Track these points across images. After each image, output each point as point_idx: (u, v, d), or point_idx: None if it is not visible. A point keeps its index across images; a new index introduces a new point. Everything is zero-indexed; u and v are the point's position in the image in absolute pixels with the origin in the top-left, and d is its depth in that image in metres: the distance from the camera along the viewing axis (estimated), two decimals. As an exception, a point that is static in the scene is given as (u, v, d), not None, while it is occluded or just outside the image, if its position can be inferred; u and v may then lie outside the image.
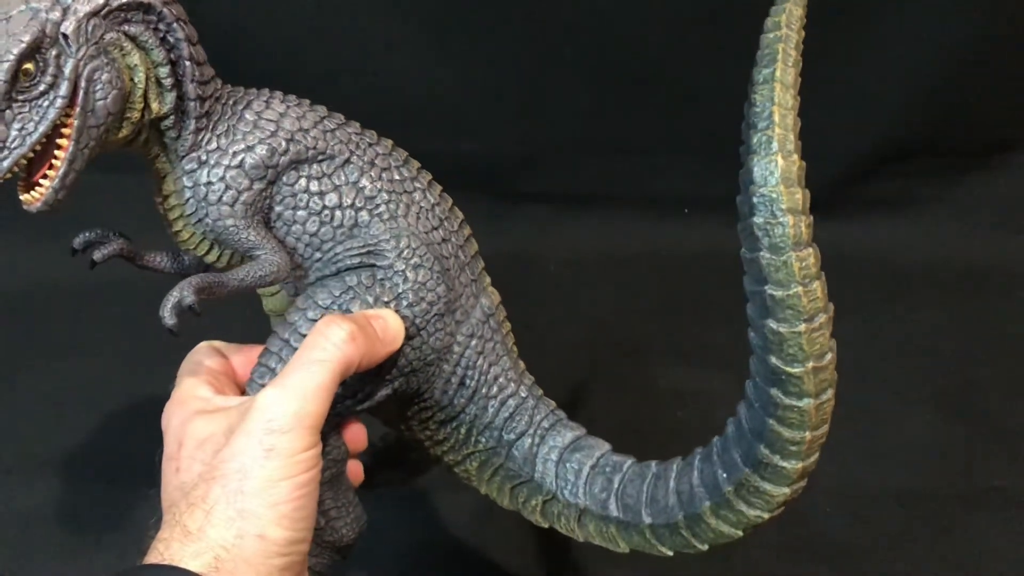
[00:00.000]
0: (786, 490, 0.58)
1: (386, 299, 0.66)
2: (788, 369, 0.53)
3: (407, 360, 0.67)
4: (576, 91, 1.36)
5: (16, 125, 0.55)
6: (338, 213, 0.66)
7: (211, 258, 0.67)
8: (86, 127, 0.57)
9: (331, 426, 0.67)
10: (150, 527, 0.61)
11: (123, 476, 1.04)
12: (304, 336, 0.63)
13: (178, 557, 0.54)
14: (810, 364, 0.53)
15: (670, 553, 0.67)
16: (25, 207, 0.58)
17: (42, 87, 0.55)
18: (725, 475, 0.61)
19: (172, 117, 0.61)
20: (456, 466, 0.75)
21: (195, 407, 0.64)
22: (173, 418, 0.65)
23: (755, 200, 0.51)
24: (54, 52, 0.55)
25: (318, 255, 0.66)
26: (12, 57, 0.53)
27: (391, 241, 0.66)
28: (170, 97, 0.61)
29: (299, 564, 0.59)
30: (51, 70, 0.55)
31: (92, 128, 0.57)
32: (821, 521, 0.97)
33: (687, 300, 1.29)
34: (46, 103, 0.55)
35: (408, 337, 0.66)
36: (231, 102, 0.65)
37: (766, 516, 0.61)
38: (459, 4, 1.28)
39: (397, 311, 0.66)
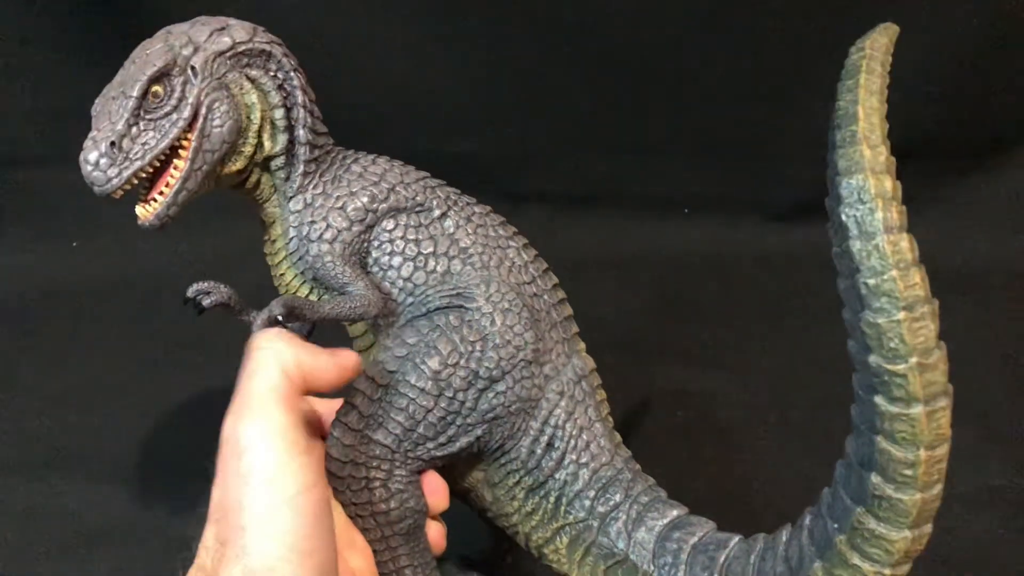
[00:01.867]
0: (907, 534, 0.51)
1: (472, 339, 0.66)
2: (890, 367, 0.48)
3: (491, 406, 0.66)
4: (576, 91, 1.36)
5: (141, 140, 0.60)
6: (432, 261, 0.68)
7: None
8: (202, 150, 0.61)
9: (409, 470, 0.65)
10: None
11: (123, 476, 1.04)
12: (391, 373, 0.64)
13: None
14: (914, 360, 0.48)
15: None
16: (139, 222, 0.62)
17: (167, 108, 0.60)
18: (836, 525, 0.54)
19: (283, 158, 0.66)
20: (546, 546, 0.70)
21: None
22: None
23: (841, 190, 0.48)
24: (181, 79, 0.61)
25: (410, 299, 0.68)
26: (144, 77, 0.59)
27: (481, 286, 0.67)
28: (282, 139, 0.65)
29: None
30: (177, 94, 0.60)
31: (207, 152, 0.61)
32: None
33: (687, 300, 1.29)
34: (168, 124, 0.60)
35: (493, 380, 0.66)
36: (340, 157, 0.69)
37: (887, 573, 0.53)
38: (459, 4, 1.28)
39: (483, 353, 0.66)
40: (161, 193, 0.61)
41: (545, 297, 0.71)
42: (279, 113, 0.65)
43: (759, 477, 1.02)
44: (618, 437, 0.71)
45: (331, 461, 0.63)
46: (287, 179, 0.66)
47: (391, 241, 0.67)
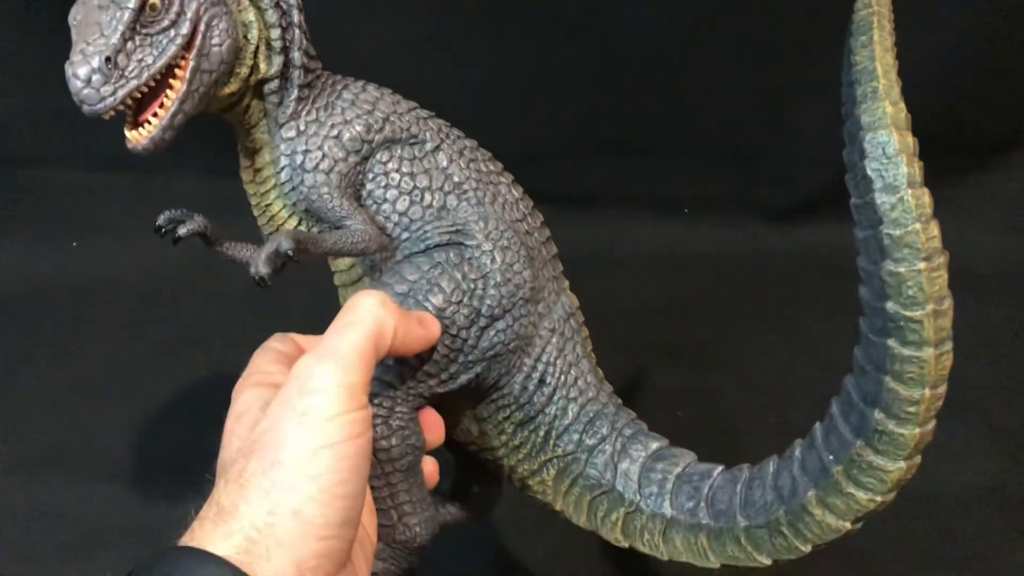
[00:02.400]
0: (901, 464, 0.54)
1: (473, 277, 0.65)
2: (908, 313, 0.51)
3: (491, 343, 0.66)
4: (576, 91, 1.36)
5: (136, 56, 0.56)
6: (427, 195, 0.66)
7: None
8: (200, 70, 0.58)
9: (411, 407, 0.64)
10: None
11: (123, 476, 1.04)
12: (398, 299, 0.63)
13: (208, 539, 0.50)
14: (930, 307, 0.51)
15: (767, 562, 0.61)
16: (130, 145, 0.58)
17: (165, 23, 0.56)
18: (832, 456, 0.57)
19: (277, 81, 0.63)
20: (531, 478, 0.71)
21: (255, 380, 0.62)
22: (235, 392, 0.63)
23: (866, 145, 0.50)
24: None
25: (406, 234, 0.66)
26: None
27: (479, 223, 0.66)
28: (278, 60, 0.63)
29: (342, 553, 0.53)
30: (175, 8, 0.56)
31: (205, 73, 0.58)
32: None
33: (687, 300, 1.29)
34: (166, 40, 0.56)
35: (494, 319, 0.65)
36: (331, 82, 0.67)
37: (879, 500, 0.56)
38: (459, 4, 1.28)
39: (485, 291, 0.65)
40: (156, 115, 0.57)
41: (536, 235, 0.71)
42: (275, 33, 0.62)
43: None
44: (601, 373, 0.73)
45: None
46: (280, 104, 0.64)
47: (386, 174, 0.66)
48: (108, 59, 0.54)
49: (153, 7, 0.56)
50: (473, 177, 0.68)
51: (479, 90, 1.35)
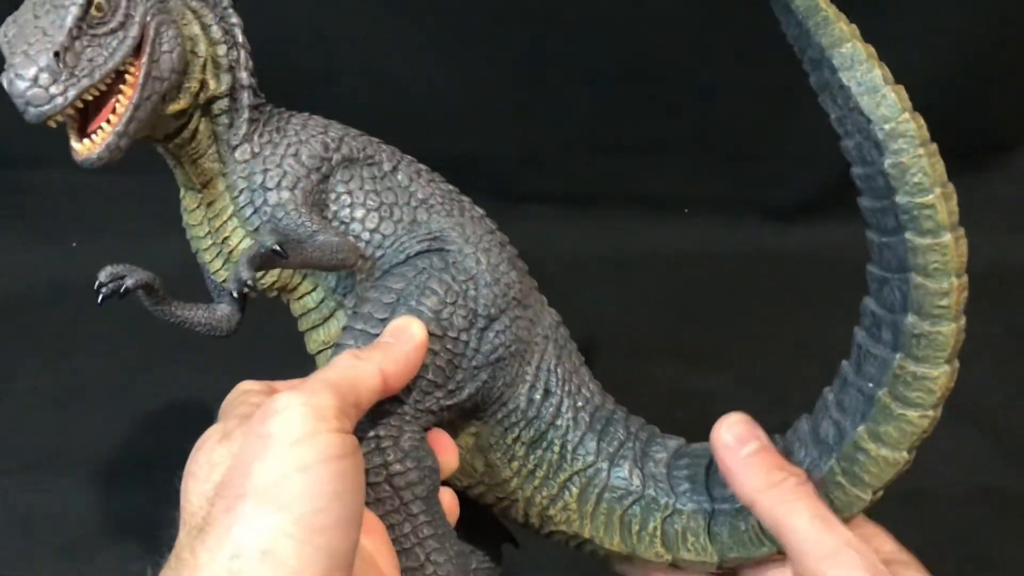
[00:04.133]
0: (945, 368, 0.53)
1: (462, 279, 0.62)
2: (919, 200, 0.52)
3: (493, 346, 0.62)
4: (576, 91, 1.36)
5: (86, 56, 0.53)
6: (396, 210, 0.64)
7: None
8: (151, 77, 0.55)
9: (420, 426, 0.59)
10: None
11: (123, 476, 1.05)
12: (382, 321, 0.59)
13: None
14: (938, 189, 0.52)
15: None
16: (80, 157, 0.55)
17: (112, 24, 0.53)
18: (872, 383, 0.55)
19: (227, 101, 0.61)
20: (552, 506, 0.65)
21: (223, 425, 0.55)
22: (199, 442, 0.57)
23: (835, 60, 0.54)
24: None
25: (380, 251, 0.63)
26: None
27: (456, 229, 0.64)
28: (226, 79, 0.60)
29: None
30: (122, 10, 0.54)
31: (156, 80, 0.55)
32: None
33: (687, 300, 1.29)
34: (115, 43, 0.54)
35: (491, 319, 0.62)
36: (276, 112, 0.65)
37: (930, 415, 0.54)
38: (459, 4, 1.28)
39: (477, 291, 0.62)
40: (108, 122, 0.54)
41: (508, 247, 0.68)
42: (222, 50, 0.60)
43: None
44: (598, 382, 0.69)
45: None
46: (231, 125, 0.61)
47: (349, 192, 0.63)
48: (57, 55, 0.50)
49: (99, 7, 0.53)
50: (437, 193, 0.66)
51: (479, 90, 1.35)
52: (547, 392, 0.65)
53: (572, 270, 1.31)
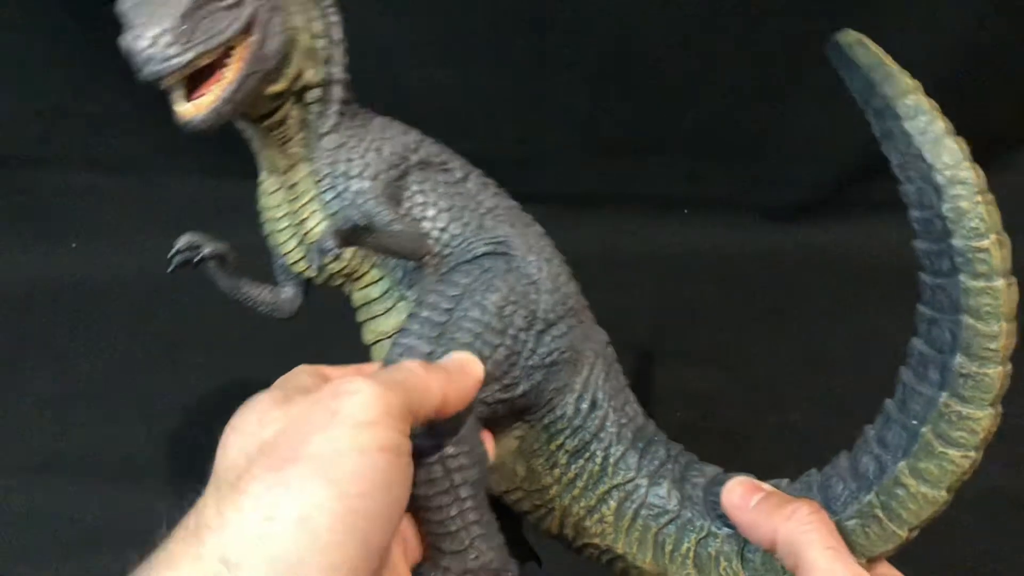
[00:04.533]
0: (989, 411, 0.54)
1: (525, 282, 0.64)
2: (974, 244, 0.54)
3: (548, 349, 0.64)
4: (576, 91, 1.36)
5: (203, 27, 0.55)
6: (465, 213, 0.66)
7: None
8: (256, 56, 0.58)
9: (474, 415, 0.59)
10: None
11: (123, 476, 1.05)
12: (447, 311, 0.61)
13: (172, 562, 0.45)
14: (994, 236, 0.54)
15: (861, 560, 0.58)
16: (184, 119, 0.56)
17: (228, 3, 0.56)
18: (916, 421, 0.56)
19: (320, 91, 0.63)
20: (588, 517, 0.66)
21: (271, 394, 0.52)
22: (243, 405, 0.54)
23: (899, 109, 0.56)
24: None
25: (448, 250, 0.65)
26: None
27: (519, 238, 0.66)
28: (322, 70, 0.63)
29: None
30: None
31: (261, 59, 0.58)
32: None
33: (687, 300, 1.30)
34: (229, 19, 0.56)
35: (549, 323, 0.64)
36: (361, 111, 0.67)
37: (972, 456, 0.55)
38: (459, 4, 1.28)
39: (538, 295, 0.64)
40: (216, 89, 0.57)
41: (565, 264, 0.70)
42: (320, 43, 0.63)
43: (759, 477, 1.02)
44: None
45: None
46: (320, 115, 0.64)
47: (423, 192, 0.66)
48: (179, 20, 0.53)
49: None
50: (502, 205, 0.68)
51: (479, 90, 1.35)
52: (594, 404, 0.66)
53: (572, 270, 1.31)
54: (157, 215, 1.43)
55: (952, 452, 0.55)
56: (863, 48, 0.58)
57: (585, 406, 0.66)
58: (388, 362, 0.60)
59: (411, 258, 0.63)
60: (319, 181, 0.64)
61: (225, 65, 0.57)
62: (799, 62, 1.31)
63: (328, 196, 0.64)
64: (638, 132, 1.39)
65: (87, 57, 1.32)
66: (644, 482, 0.65)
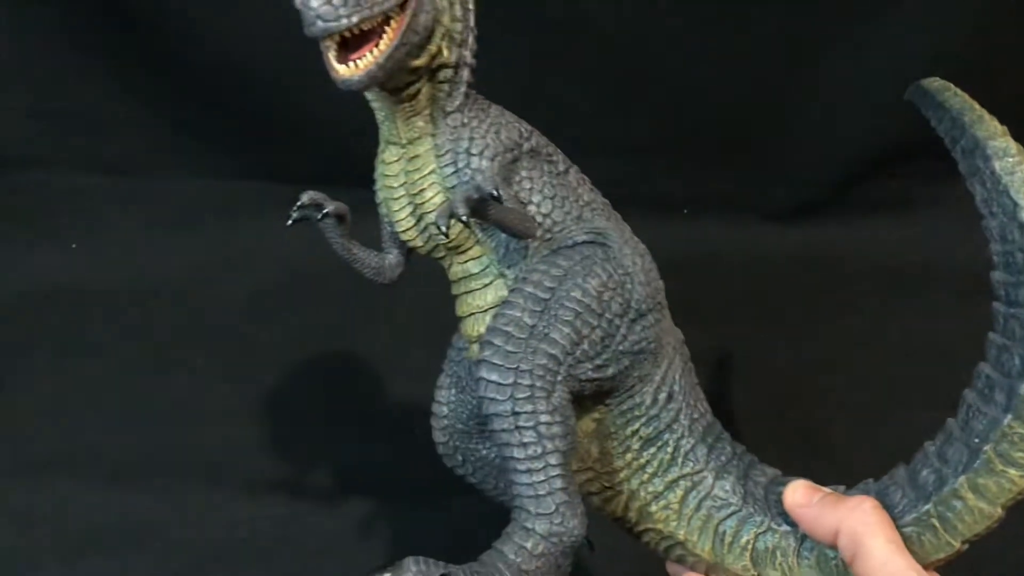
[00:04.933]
0: None
1: (621, 271, 0.68)
2: None
3: (638, 337, 0.67)
4: (576, 91, 1.36)
5: None
6: (567, 203, 0.70)
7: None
8: (409, 28, 0.61)
9: (568, 388, 0.64)
10: None
11: (123, 476, 1.05)
12: (550, 289, 0.65)
13: None
14: None
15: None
16: (341, 78, 0.60)
17: None
18: (978, 439, 0.59)
19: (452, 71, 0.67)
20: (655, 502, 0.69)
21: None
22: None
23: (989, 150, 0.64)
24: None
25: (549, 235, 0.69)
26: None
27: (615, 232, 0.70)
28: (456, 52, 0.67)
29: None
30: None
31: (412, 32, 0.62)
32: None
33: (687, 300, 1.29)
34: None
35: (640, 313, 0.68)
36: (479, 97, 0.70)
37: None
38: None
39: (632, 286, 0.68)
40: (371, 54, 0.60)
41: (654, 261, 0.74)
42: (458, 27, 0.67)
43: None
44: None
45: (493, 370, 0.62)
46: (449, 95, 0.67)
47: (531, 179, 0.69)
48: None
49: None
50: (598, 200, 0.73)
51: (479, 90, 1.35)
52: (670, 396, 0.70)
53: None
54: (157, 215, 1.43)
55: (1012, 471, 0.58)
56: (952, 93, 0.68)
57: (663, 397, 0.69)
58: (491, 329, 0.64)
59: (521, 236, 0.66)
60: (440, 156, 0.67)
61: (381, 33, 0.61)
62: (799, 62, 1.31)
63: (448, 171, 0.67)
64: (638, 132, 1.38)
65: (87, 57, 1.32)
66: (711, 475, 0.69)
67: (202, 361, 1.22)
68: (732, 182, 1.42)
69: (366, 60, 0.60)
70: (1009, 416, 0.58)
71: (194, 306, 1.32)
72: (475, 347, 0.68)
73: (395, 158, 0.69)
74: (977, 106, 0.64)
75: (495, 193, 0.60)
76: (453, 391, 0.76)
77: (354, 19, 0.58)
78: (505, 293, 0.68)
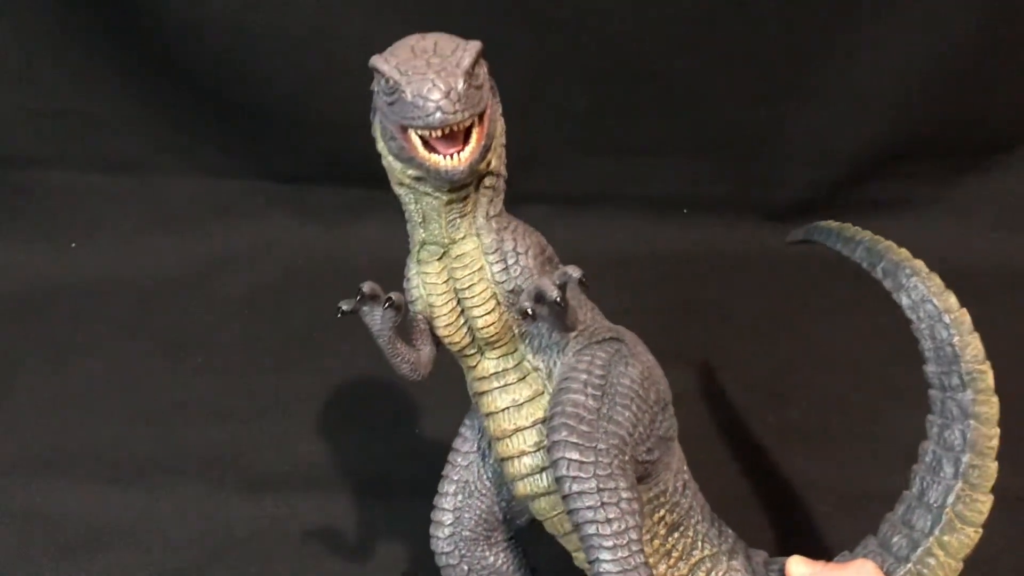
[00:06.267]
0: (991, 495, 0.72)
1: (640, 363, 0.71)
2: (976, 367, 0.73)
3: (665, 426, 0.71)
4: (576, 91, 1.36)
5: (468, 95, 0.63)
6: (585, 304, 0.73)
7: (487, 321, 0.70)
8: (488, 130, 0.66)
9: (631, 469, 0.67)
10: None
11: (123, 476, 1.05)
12: (603, 376, 0.67)
13: None
14: (987, 362, 0.73)
15: None
16: (450, 168, 0.63)
17: (476, 83, 0.64)
18: (938, 505, 0.71)
19: (495, 179, 0.70)
20: None
21: None
22: None
23: (948, 320, 0.74)
24: (485, 70, 0.67)
25: (578, 332, 0.71)
26: (475, 52, 0.65)
27: (625, 332, 0.74)
28: (499, 163, 0.71)
29: None
30: (481, 77, 0.66)
31: (488, 135, 0.66)
32: (821, 521, 0.97)
33: (687, 300, 1.30)
34: (478, 96, 0.64)
35: (664, 404, 0.71)
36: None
37: (980, 532, 0.71)
38: (459, 4, 1.28)
39: (655, 377, 0.71)
40: (467, 150, 0.64)
41: None
42: (503, 140, 0.71)
43: (758, 477, 1.02)
44: None
45: (573, 448, 0.63)
46: (491, 201, 0.70)
47: None
48: (464, 82, 0.63)
49: (472, 68, 0.64)
50: (596, 308, 0.75)
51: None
52: (686, 484, 0.73)
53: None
54: (157, 215, 1.43)
55: (969, 529, 0.70)
56: (855, 228, 0.81)
57: (680, 484, 0.73)
58: (558, 413, 0.65)
59: (568, 329, 0.69)
60: (489, 255, 0.70)
61: (471, 132, 0.64)
62: (799, 62, 1.31)
63: (497, 268, 0.69)
64: (638, 132, 1.38)
65: (87, 57, 1.32)
66: (724, 556, 0.74)
67: (202, 361, 1.22)
68: (732, 182, 1.42)
69: (465, 154, 0.63)
70: (960, 482, 0.71)
71: (194, 306, 1.32)
72: (509, 441, 0.70)
73: (435, 257, 0.70)
74: (881, 239, 0.77)
75: (582, 279, 0.62)
76: (460, 497, 0.76)
77: (467, 115, 0.62)
78: (540, 387, 0.70)
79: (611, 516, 0.63)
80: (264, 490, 1.02)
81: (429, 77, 0.62)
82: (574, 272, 0.63)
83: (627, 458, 0.65)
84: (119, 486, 1.03)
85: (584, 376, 0.67)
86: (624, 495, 0.63)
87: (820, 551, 0.90)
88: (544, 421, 0.69)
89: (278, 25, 1.29)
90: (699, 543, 0.73)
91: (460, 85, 0.62)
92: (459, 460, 0.76)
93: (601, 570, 0.62)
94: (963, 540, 0.71)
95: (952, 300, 0.74)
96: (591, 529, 0.63)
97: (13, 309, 1.31)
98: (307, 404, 1.14)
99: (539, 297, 0.63)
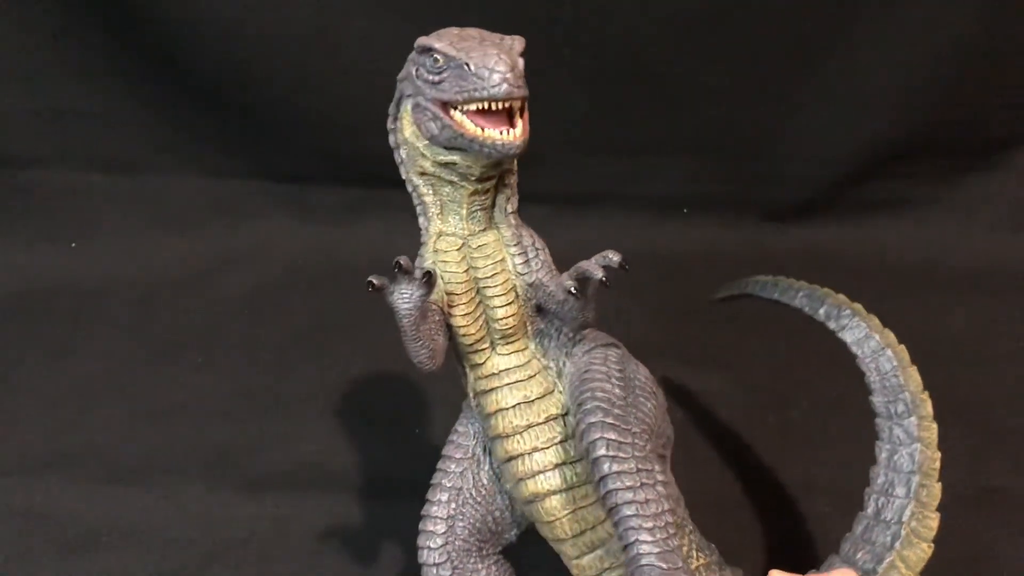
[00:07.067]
0: (937, 513, 0.77)
1: (642, 365, 0.73)
2: (919, 395, 0.78)
3: (669, 428, 0.72)
4: (576, 91, 1.36)
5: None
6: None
7: (507, 311, 0.70)
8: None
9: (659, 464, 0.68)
10: None
11: (123, 476, 1.05)
12: (621, 371, 0.69)
13: None
14: (926, 392, 0.78)
15: None
16: (510, 142, 0.65)
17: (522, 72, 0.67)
18: (895, 523, 0.76)
19: (514, 178, 0.72)
20: None
21: None
22: None
23: (891, 354, 0.80)
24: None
25: (584, 333, 0.73)
26: (523, 41, 0.71)
27: (620, 343, 0.75)
28: (515, 165, 0.73)
29: None
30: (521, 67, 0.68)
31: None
32: (821, 521, 0.97)
33: (687, 300, 1.29)
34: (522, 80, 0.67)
35: (664, 409, 0.73)
36: None
37: (931, 546, 0.76)
38: (459, 4, 1.28)
39: (651, 377, 0.73)
40: (522, 125, 0.66)
41: None
42: None
43: (758, 477, 1.02)
44: None
45: (611, 429, 0.63)
46: (508, 199, 0.72)
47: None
48: (522, 63, 0.66)
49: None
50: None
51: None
52: (679, 496, 0.74)
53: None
54: (157, 215, 1.43)
55: (923, 544, 0.76)
56: (788, 280, 0.89)
57: (675, 492, 0.72)
58: (589, 399, 0.65)
59: (586, 324, 0.71)
60: (510, 247, 0.71)
61: (513, 115, 0.66)
62: (799, 62, 1.31)
63: (518, 260, 0.71)
64: (638, 132, 1.38)
65: (87, 57, 1.32)
66: (716, 568, 0.75)
67: (202, 360, 1.22)
68: (732, 182, 1.42)
69: (519, 131, 0.65)
70: (913, 501, 0.76)
71: (194, 306, 1.32)
72: (520, 438, 0.70)
73: (454, 247, 0.71)
74: (815, 284, 0.85)
75: (624, 264, 0.63)
76: (453, 505, 0.74)
77: (525, 91, 0.65)
78: (550, 385, 0.71)
79: (649, 497, 0.62)
80: (264, 490, 1.02)
81: (493, 52, 0.65)
82: (614, 256, 0.63)
83: (653, 445, 0.66)
84: (119, 486, 1.03)
85: (604, 368, 0.68)
86: (659, 478, 0.63)
87: (820, 551, 0.90)
88: (556, 418, 0.69)
89: (278, 25, 1.29)
90: (694, 552, 0.74)
91: (520, 64, 0.65)
92: (452, 467, 0.74)
93: (640, 551, 0.60)
94: (919, 554, 0.75)
95: (891, 337, 0.80)
96: (630, 510, 0.61)
97: (13, 309, 1.31)
98: (307, 404, 1.14)
99: (582, 277, 0.63)
